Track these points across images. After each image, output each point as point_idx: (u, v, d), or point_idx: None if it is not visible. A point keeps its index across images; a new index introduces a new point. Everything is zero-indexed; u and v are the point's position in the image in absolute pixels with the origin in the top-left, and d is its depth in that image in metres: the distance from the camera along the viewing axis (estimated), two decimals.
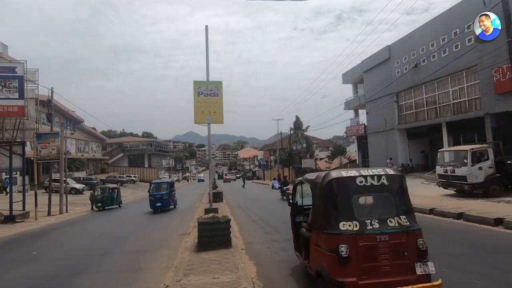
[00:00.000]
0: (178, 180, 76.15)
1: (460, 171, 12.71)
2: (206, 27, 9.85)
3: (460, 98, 20.23)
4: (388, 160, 26.61)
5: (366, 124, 31.22)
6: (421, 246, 3.52)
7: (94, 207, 18.58)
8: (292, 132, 40.57)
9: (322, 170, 35.26)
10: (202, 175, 72.87)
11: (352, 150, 44.84)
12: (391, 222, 3.51)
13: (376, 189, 3.67)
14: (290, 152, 40.04)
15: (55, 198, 18.13)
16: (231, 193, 27.28)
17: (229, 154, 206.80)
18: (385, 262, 3.35)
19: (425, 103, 23.35)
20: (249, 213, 13.49)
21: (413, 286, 3.07)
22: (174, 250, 6.87)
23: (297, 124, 40.50)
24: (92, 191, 20.11)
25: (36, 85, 16.93)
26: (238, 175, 71.30)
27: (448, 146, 21.79)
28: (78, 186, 30.21)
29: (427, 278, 3.37)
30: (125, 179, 45.33)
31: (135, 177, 53.26)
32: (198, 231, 6.41)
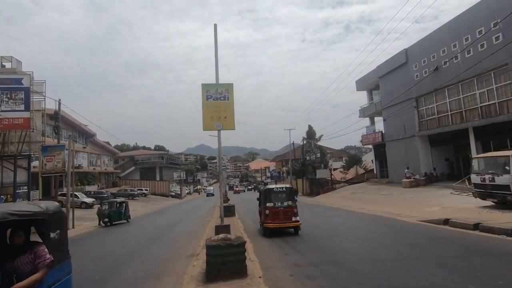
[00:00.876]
0: (189, 193, 75.33)
1: (502, 179, 11.25)
2: (215, 25, 9.05)
3: (489, 101, 18.74)
4: (406, 170, 25.09)
5: (383, 132, 29.79)
6: (295, 211, 9.91)
7: (101, 222, 17.79)
8: (305, 141, 39.33)
9: (338, 181, 33.65)
10: (212, 188, 66.25)
11: (369, 159, 43.14)
12: (285, 203, 9.99)
13: (281, 192, 10.31)
14: (304, 163, 38.70)
15: None
16: (243, 206, 26.10)
17: (240, 166, 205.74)
18: (282, 217, 9.82)
19: (448, 107, 21.89)
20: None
21: (290, 224, 9.91)
22: (179, 278, 5.80)
23: (310, 134, 39.29)
24: (99, 205, 19.36)
25: (43, 97, 16.56)
26: (250, 187, 69.98)
27: (477, 153, 20.17)
28: (88, 200, 29.72)
29: (296, 222, 9.89)
30: (136, 193, 44.80)
31: (147, 190, 52.78)
32: (206, 256, 5.33)
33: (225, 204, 15.58)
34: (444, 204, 14.78)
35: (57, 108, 16.56)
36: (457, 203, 14.40)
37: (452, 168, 24.94)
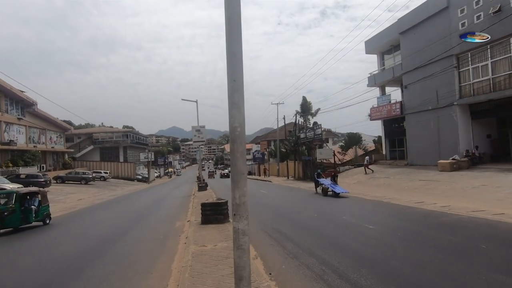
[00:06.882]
0: (159, 176, 67.17)
1: None
2: None
3: None
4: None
5: (402, 102, 24.02)
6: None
7: None
8: (299, 116, 32.84)
9: (341, 163, 27.77)
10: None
11: (369, 139, 37.92)
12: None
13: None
14: (297, 141, 32.37)
15: None
16: (227, 194, 19.15)
17: (215, 149, 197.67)
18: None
19: (511, 63, 16.22)
20: (307, 262, 5.61)
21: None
22: None
23: (305, 107, 32.86)
24: None
25: None
26: (225, 171, 63.05)
27: None
28: (12, 186, 21.37)
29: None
30: (90, 176, 36.51)
31: (106, 173, 44.44)
32: None
33: (211, 201, 8.72)
34: None
35: None
36: None
37: (496, 147, 19.73)
